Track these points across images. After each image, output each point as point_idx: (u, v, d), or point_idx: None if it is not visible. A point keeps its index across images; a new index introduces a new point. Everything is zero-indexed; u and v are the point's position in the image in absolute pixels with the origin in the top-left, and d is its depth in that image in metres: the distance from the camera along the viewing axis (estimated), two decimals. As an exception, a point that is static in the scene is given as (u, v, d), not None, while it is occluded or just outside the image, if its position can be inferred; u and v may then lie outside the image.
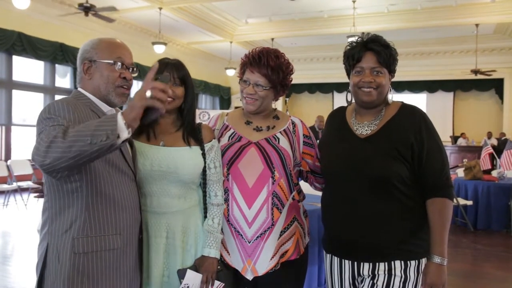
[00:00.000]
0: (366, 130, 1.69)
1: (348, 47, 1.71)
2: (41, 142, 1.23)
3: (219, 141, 1.82)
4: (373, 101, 1.67)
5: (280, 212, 1.75)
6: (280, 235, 1.75)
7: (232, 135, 1.83)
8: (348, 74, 1.73)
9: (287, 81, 1.82)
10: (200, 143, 1.73)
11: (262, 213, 1.72)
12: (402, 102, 1.74)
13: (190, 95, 1.73)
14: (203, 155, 1.72)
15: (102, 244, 1.42)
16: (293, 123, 1.86)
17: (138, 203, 1.56)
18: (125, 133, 1.20)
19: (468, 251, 5.24)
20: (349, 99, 1.79)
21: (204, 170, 1.72)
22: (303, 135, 1.86)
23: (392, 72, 1.69)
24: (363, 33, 1.73)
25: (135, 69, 1.58)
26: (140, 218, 1.57)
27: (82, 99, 1.50)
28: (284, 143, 1.80)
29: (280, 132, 1.82)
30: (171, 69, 1.68)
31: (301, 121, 1.90)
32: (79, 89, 1.55)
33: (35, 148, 1.24)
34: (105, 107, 1.53)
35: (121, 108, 1.68)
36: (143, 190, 1.66)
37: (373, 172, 1.59)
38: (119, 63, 1.52)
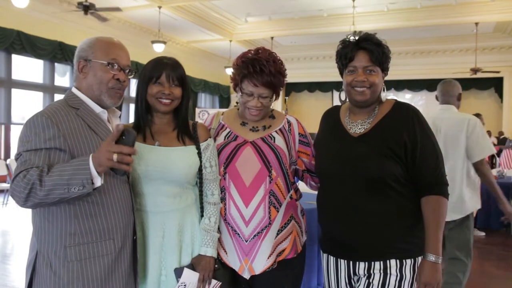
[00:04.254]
0: (359, 129, 1.68)
1: (340, 46, 1.70)
2: (19, 183, 1.27)
3: (215, 140, 1.82)
4: (367, 100, 1.66)
5: (277, 211, 1.75)
6: (277, 234, 1.75)
7: (228, 135, 1.83)
8: (341, 73, 1.72)
9: (284, 81, 1.83)
10: (195, 142, 1.72)
11: (259, 211, 1.72)
12: (395, 100, 1.73)
13: (187, 95, 1.72)
14: (199, 154, 1.71)
15: (95, 251, 1.41)
16: (288, 122, 1.86)
17: (130, 204, 1.55)
18: (98, 180, 1.28)
19: (467, 249, 5.21)
20: (342, 98, 1.79)
21: (200, 169, 1.71)
22: (299, 133, 1.86)
23: (385, 70, 1.68)
24: (355, 31, 1.71)
25: (131, 70, 1.56)
26: (134, 219, 1.56)
27: (73, 101, 1.49)
28: (279, 142, 1.80)
29: (275, 131, 1.82)
30: (169, 70, 1.66)
31: (297, 120, 1.90)
32: (73, 89, 1.54)
33: (16, 186, 1.28)
34: (97, 108, 1.52)
35: (120, 108, 1.68)
36: (138, 190, 1.65)
37: (367, 171, 1.59)
38: (114, 65, 1.50)
